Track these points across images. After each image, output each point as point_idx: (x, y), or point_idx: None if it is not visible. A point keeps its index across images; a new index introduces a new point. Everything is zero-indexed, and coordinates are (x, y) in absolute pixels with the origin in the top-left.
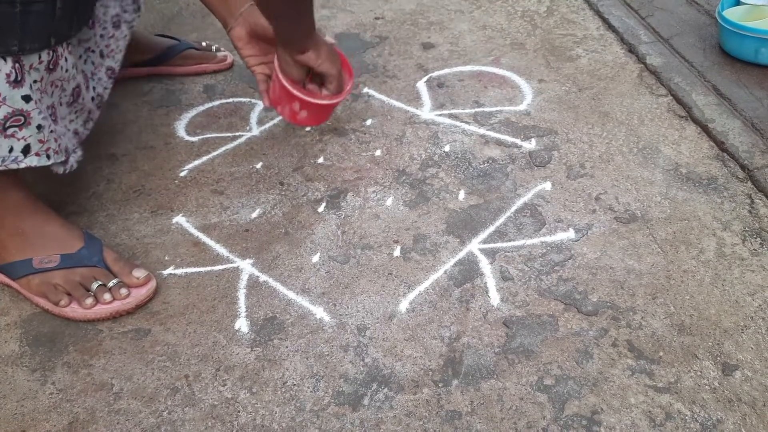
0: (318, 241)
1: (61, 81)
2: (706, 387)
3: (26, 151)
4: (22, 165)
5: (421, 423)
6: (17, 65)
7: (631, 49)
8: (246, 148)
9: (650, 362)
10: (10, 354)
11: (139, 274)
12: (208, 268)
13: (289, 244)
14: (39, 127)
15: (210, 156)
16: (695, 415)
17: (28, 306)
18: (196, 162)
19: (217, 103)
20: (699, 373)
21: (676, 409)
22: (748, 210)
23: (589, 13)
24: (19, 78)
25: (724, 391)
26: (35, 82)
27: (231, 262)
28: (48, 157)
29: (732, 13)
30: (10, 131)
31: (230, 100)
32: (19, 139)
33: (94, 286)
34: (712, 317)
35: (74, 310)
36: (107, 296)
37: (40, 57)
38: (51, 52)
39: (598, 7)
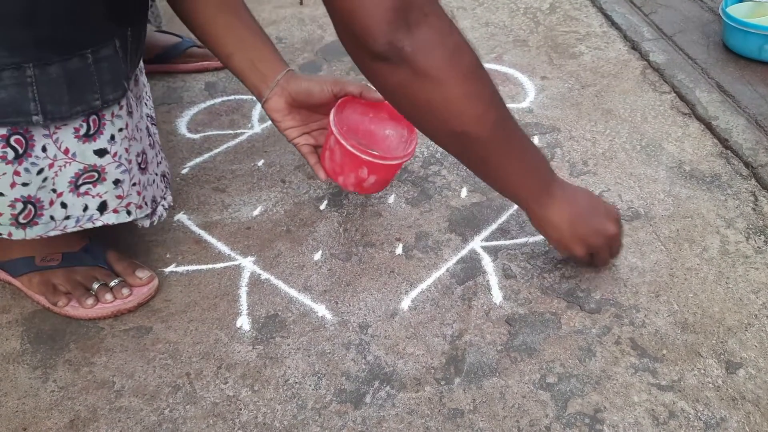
0: (320, 239)
1: (138, 123)
2: (710, 385)
3: (102, 208)
4: (99, 224)
5: (423, 421)
6: (92, 117)
7: (635, 46)
8: (248, 145)
9: (653, 360)
10: (11, 351)
11: (143, 274)
12: (210, 266)
13: (291, 241)
14: (116, 182)
15: (211, 153)
16: (699, 414)
17: (29, 303)
18: (198, 159)
19: (218, 100)
20: (702, 371)
21: (680, 407)
22: (752, 207)
23: (592, 10)
24: (91, 131)
25: (727, 390)
26: (120, 130)
27: (232, 260)
28: (128, 213)
29: (736, 10)
30: (83, 189)
31: (232, 97)
32: (93, 197)
33: (96, 285)
34: (715, 315)
35: (75, 309)
36: (108, 296)
37: (119, 103)
38: (126, 96)
39: (601, 3)
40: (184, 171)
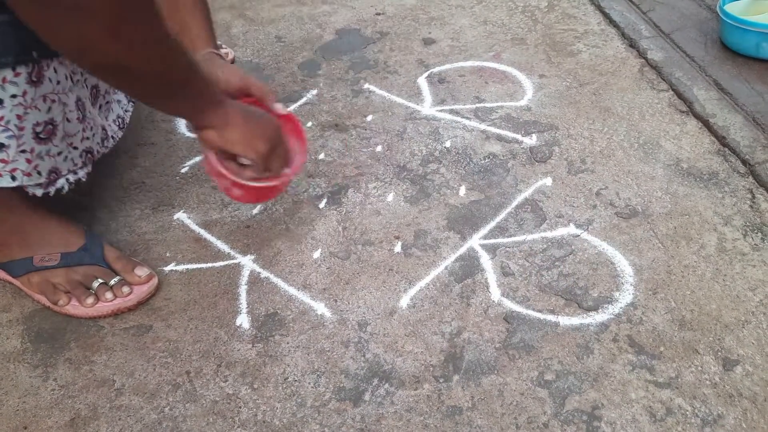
0: (319, 237)
1: (56, 95)
2: (707, 382)
3: None
4: None
5: (421, 418)
6: None
7: (632, 44)
8: None
9: (651, 357)
10: (12, 350)
11: (142, 272)
12: (210, 265)
13: (290, 240)
14: (0, 146)
15: None
16: (696, 410)
17: (29, 302)
18: (197, 158)
19: None
20: (700, 368)
21: (677, 404)
22: (749, 205)
23: (589, 8)
24: None
25: (724, 386)
26: (14, 96)
27: (232, 259)
28: (13, 178)
29: (733, 8)
30: None
31: None
32: None
33: (95, 284)
34: (712, 312)
35: (75, 308)
36: (109, 295)
37: (15, 70)
38: (33, 65)
39: (599, 1)
40: (184, 170)
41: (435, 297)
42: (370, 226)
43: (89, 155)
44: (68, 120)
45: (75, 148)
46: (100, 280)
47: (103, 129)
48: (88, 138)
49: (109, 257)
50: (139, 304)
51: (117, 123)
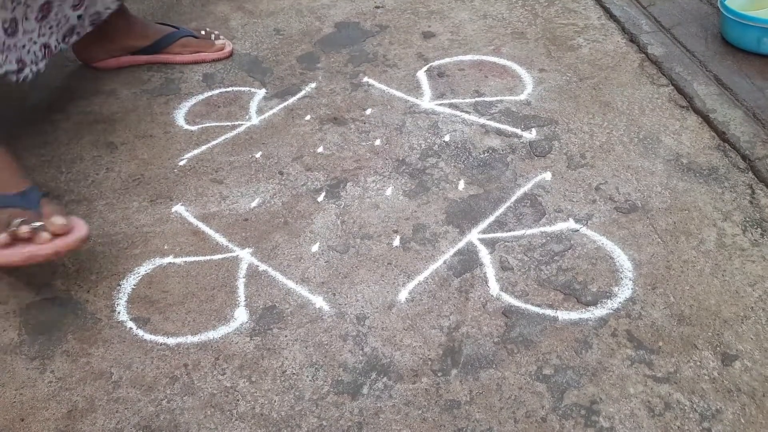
0: (317, 231)
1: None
2: (706, 377)
3: None
4: None
5: (420, 412)
6: None
7: (633, 39)
8: (245, 137)
9: (649, 352)
10: (9, 342)
11: (60, 220)
12: (208, 257)
13: (289, 233)
14: None
15: (209, 145)
16: (694, 405)
17: (27, 294)
18: (196, 151)
19: (216, 92)
20: (698, 364)
21: (676, 399)
22: (749, 200)
23: (590, 3)
24: None
25: (723, 382)
26: None
27: (230, 252)
28: None
29: (734, 3)
30: None
31: (229, 89)
32: None
33: (15, 223)
34: (712, 307)
35: None
36: (24, 229)
37: None
38: None
39: None
40: (182, 162)
41: (433, 291)
42: (368, 219)
43: (48, 48)
44: (27, 19)
45: (34, 42)
46: (21, 222)
47: (72, 27)
48: (44, 35)
49: (43, 205)
50: (56, 255)
51: (90, 19)
